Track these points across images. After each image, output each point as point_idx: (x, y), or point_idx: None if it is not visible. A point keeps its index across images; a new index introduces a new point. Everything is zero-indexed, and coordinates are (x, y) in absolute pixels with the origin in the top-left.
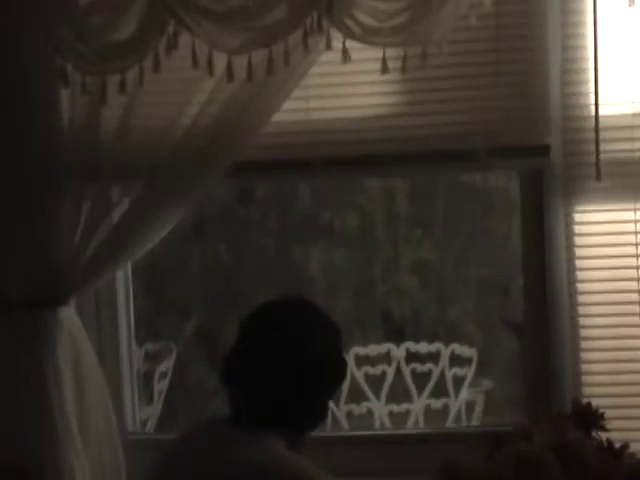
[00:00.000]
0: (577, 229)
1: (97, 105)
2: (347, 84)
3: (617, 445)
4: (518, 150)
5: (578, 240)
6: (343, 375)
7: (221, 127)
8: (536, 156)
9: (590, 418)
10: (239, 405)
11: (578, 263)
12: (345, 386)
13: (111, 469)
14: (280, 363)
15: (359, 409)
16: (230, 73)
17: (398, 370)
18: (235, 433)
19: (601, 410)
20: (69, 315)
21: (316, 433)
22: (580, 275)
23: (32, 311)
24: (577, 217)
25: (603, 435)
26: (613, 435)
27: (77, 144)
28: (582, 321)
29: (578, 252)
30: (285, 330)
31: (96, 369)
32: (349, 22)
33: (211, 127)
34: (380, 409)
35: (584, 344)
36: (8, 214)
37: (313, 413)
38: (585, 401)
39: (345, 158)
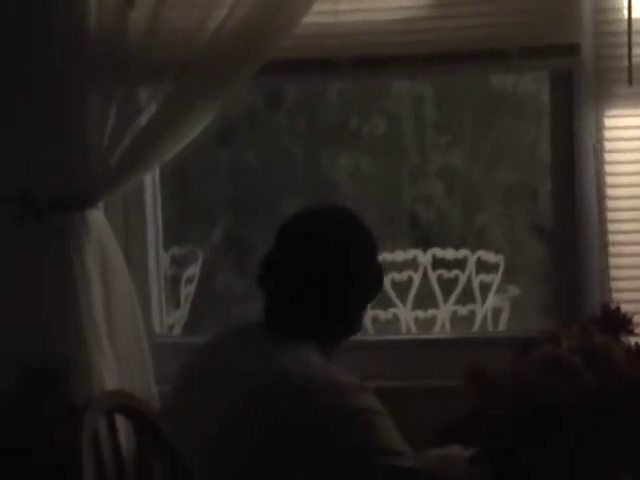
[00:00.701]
0: (607, 134)
1: (125, 8)
2: None
3: None
4: (549, 49)
5: (608, 145)
6: (379, 285)
7: (249, 29)
8: (567, 55)
9: (619, 322)
10: (274, 311)
11: (607, 168)
12: None
13: (139, 371)
14: (317, 271)
15: (385, 314)
16: None
17: (424, 276)
18: (269, 340)
19: (630, 314)
20: (97, 218)
21: None
22: (609, 180)
23: (60, 213)
24: (607, 122)
25: (632, 339)
26: None
27: (104, 44)
28: (611, 226)
29: (608, 157)
30: (323, 238)
31: (124, 272)
32: None
33: (239, 30)
34: (406, 315)
35: (613, 249)
36: (36, 115)
37: (348, 322)
38: (614, 305)
39: (373, 57)
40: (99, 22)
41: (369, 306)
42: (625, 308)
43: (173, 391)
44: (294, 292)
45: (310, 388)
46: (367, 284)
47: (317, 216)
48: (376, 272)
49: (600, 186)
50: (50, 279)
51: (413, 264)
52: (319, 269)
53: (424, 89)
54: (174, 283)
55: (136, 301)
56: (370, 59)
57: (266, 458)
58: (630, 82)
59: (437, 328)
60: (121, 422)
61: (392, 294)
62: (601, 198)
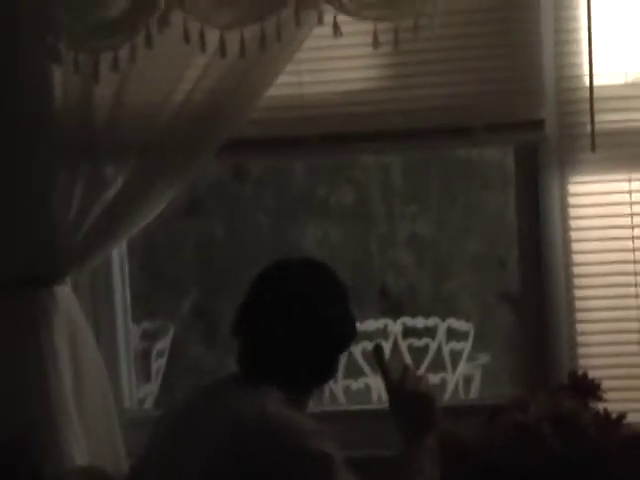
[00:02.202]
0: (572, 200)
1: (90, 83)
2: (339, 58)
3: (614, 415)
4: (513, 125)
5: (573, 211)
6: (352, 332)
7: (214, 102)
8: (531, 130)
9: (587, 388)
10: (243, 359)
11: (573, 234)
12: (342, 362)
13: (109, 446)
14: (286, 317)
15: (357, 384)
16: (223, 49)
17: (395, 345)
18: (236, 388)
19: (597, 380)
20: (65, 294)
21: (314, 408)
22: (575, 246)
23: (28, 290)
24: (572, 188)
25: (600, 405)
26: (610, 406)
27: (70, 122)
28: (578, 293)
29: (573, 223)
30: (294, 285)
31: (93, 348)
32: None
33: (204, 102)
34: (378, 384)
35: (580, 315)
36: (1, 192)
37: (318, 369)
38: (582, 371)
39: (339, 134)
40: (64, 99)
41: (342, 353)
42: (593, 374)
43: (145, 449)
44: (268, 338)
45: (262, 432)
46: (338, 331)
47: (287, 264)
48: (344, 320)
49: (566, 252)
50: (18, 355)
51: (383, 333)
52: (281, 313)
53: (391, 159)
54: (145, 357)
55: (105, 376)
56: (336, 136)
57: None
58: (593, 149)
59: None
60: None
61: (363, 363)
62: (568, 264)
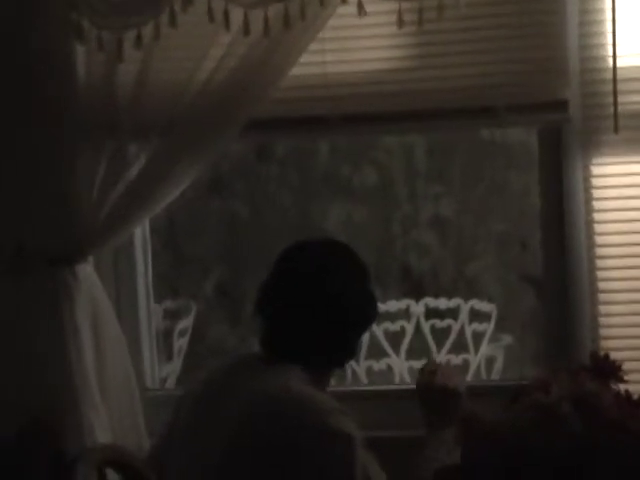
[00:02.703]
0: (595, 182)
1: (113, 61)
2: (363, 37)
3: (635, 397)
4: (536, 106)
5: (596, 193)
6: (372, 313)
7: (238, 81)
8: (554, 111)
9: (608, 369)
10: (267, 338)
11: (596, 216)
12: (364, 342)
13: (130, 425)
14: (308, 297)
15: (379, 365)
16: (246, 27)
17: (417, 326)
18: (259, 367)
19: (619, 362)
20: (87, 272)
21: (336, 388)
22: (598, 228)
23: (50, 268)
24: (595, 170)
25: (621, 387)
26: (631, 387)
27: (93, 100)
28: (600, 274)
29: (596, 205)
30: (314, 266)
31: (115, 326)
32: None
33: (228, 81)
34: (400, 365)
35: (602, 297)
36: (25, 170)
37: (342, 349)
38: (603, 352)
39: (362, 115)
40: (88, 77)
41: (363, 334)
42: (615, 355)
43: (167, 427)
44: (288, 319)
45: (287, 410)
46: (361, 312)
47: (310, 244)
48: (370, 301)
49: (589, 234)
50: (41, 333)
51: (406, 314)
52: (313, 297)
53: (414, 139)
54: (167, 336)
55: (128, 355)
56: (359, 117)
57: (261, 470)
58: (616, 130)
59: None
60: (112, 476)
61: (385, 344)
62: (590, 246)
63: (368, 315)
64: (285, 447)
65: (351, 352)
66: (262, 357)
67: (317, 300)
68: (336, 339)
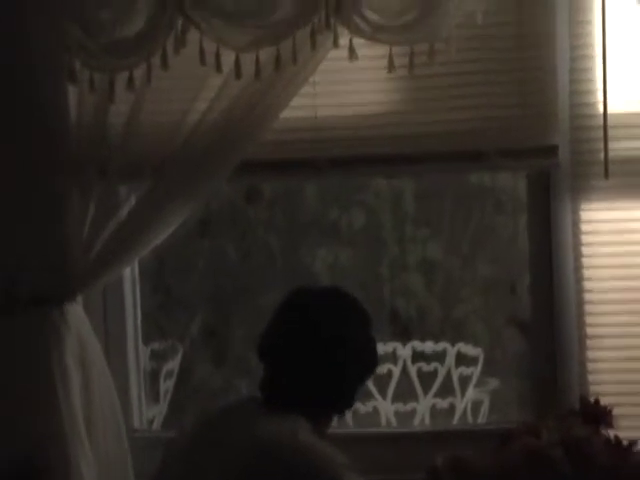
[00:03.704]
0: (584, 227)
1: (105, 102)
2: (354, 81)
3: (625, 442)
4: (526, 151)
5: (585, 238)
6: (375, 362)
7: (229, 123)
8: (544, 156)
9: (598, 414)
10: (269, 384)
11: (585, 261)
12: None
13: (118, 467)
14: (313, 347)
15: (365, 408)
16: (238, 70)
17: (404, 369)
18: (262, 412)
19: (609, 406)
20: (76, 312)
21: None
22: (587, 273)
23: (39, 308)
24: (584, 215)
25: (611, 432)
26: (621, 433)
27: (84, 141)
28: (589, 319)
29: (585, 250)
30: (321, 315)
31: (103, 367)
32: (357, 20)
33: (219, 123)
34: (386, 408)
35: (591, 342)
36: (15, 210)
37: (343, 398)
38: (593, 398)
39: (352, 157)
40: (79, 118)
41: (365, 382)
42: (604, 400)
43: (156, 471)
44: (292, 367)
45: (296, 459)
46: (364, 361)
47: (315, 294)
48: (372, 349)
49: (578, 279)
50: (28, 373)
51: (393, 357)
52: (317, 347)
53: (403, 183)
54: (153, 378)
55: (115, 396)
56: (347, 160)
57: None
58: (606, 175)
59: (417, 421)
60: None
61: (372, 387)
62: (579, 291)
63: (371, 365)
64: None
65: (352, 400)
66: (261, 402)
67: (321, 350)
68: (339, 388)
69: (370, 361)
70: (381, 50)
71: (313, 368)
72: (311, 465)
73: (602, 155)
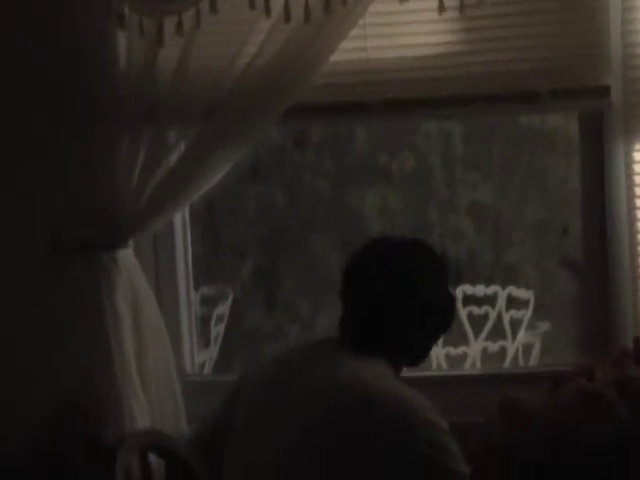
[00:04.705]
0: (638, 168)
1: (154, 47)
2: (405, 23)
3: None
4: (578, 91)
5: (638, 179)
6: (453, 317)
7: (278, 67)
8: (596, 97)
9: None
10: (355, 327)
11: (638, 202)
12: None
13: (170, 410)
14: (402, 297)
15: (424, 360)
16: (287, 13)
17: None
18: (345, 353)
19: None
20: (128, 258)
21: None
22: None
23: (91, 253)
24: (638, 156)
25: None
26: None
27: (133, 87)
28: None
29: (638, 191)
30: (404, 264)
31: (155, 312)
32: None
33: (268, 67)
34: (437, 352)
35: None
36: (66, 156)
37: (421, 349)
38: None
39: (402, 100)
40: (128, 63)
41: (441, 336)
42: None
43: (226, 404)
44: (378, 314)
45: (388, 400)
46: (444, 314)
47: (397, 244)
48: (451, 301)
49: (631, 220)
50: (82, 318)
51: None
52: (405, 296)
53: (452, 125)
54: (204, 322)
55: (167, 340)
56: (399, 102)
57: (345, 462)
58: None
59: (468, 365)
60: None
61: None
62: (633, 233)
63: (450, 319)
64: (380, 435)
65: (427, 351)
66: (340, 343)
67: (411, 301)
68: (420, 340)
69: (450, 315)
70: None
71: (399, 317)
72: (406, 404)
73: None
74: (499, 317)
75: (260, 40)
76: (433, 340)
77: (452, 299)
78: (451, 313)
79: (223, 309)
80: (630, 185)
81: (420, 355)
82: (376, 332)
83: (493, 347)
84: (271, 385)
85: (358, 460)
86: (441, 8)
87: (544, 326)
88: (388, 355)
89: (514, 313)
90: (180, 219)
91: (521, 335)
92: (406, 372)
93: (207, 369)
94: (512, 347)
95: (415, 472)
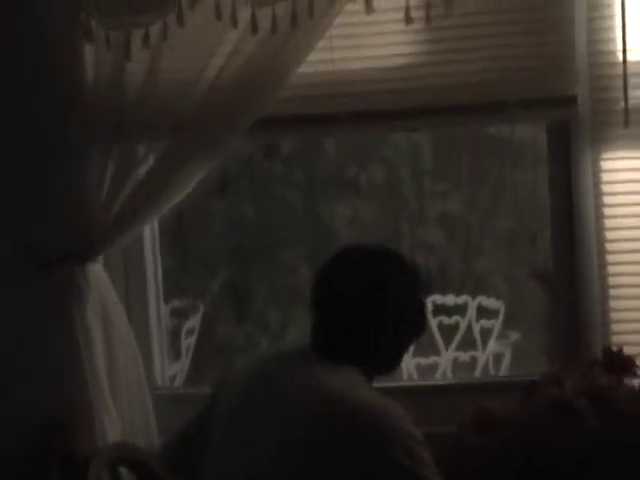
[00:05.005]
0: (605, 177)
1: (121, 60)
2: (372, 34)
3: None
4: (545, 101)
5: (606, 188)
6: (425, 324)
7: (246, 79)
8: (564, 107)
9: (621, 364)
10: (326, 337)
11: (606, 211)
12: None
13: (141, 423)
14: (373, 307)
15: (396, 368)
16: (254, 25)
17: None
18: (317, 364)
19: (633, 356)
20: (97, 271)
21: None
22: (609, 223)
23: (60, 268)
24: (605, 165)
25: (635, 381)
26: None
27: (101, 100)
28: (611, 269)
29: (606, 200)
30: (380, 274)
31: (125, 325)
32: None
33: (236, 79)
34: (408, 362)
35: (613, 292)
36: (33, 172)
37: (392, 358)
38: (616, 348)
39: (370, 111)
40: (96, 77)
41: (413, 343)
42: (628, 350)
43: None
44: (350, 323)
45: (365, 410)
46: (415, 322)
47: (368, 252)
48: (423, 311)
49: (599, 229)
50: (52, 333)
51: None
52: (376, 305)
53: (421, 136)
54: (175, 335)
55: (138, 353)
56: (367, 114)
57: (323, 473)
58: (626, 124)
59: (439, 375)
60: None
61: None
62: (601, 241)
63: (422, 326)
64: (357, 445)
65: (399, 360)
66: (312, 352)
67: (382, 310)
68: (392, 349)
69: (422, 322)
70: (398, 2)
71: (371, 327)
72: (381, 415)
73: (622, 104)
74: (469, 327)
75: (227, 52)
76: (405, 348)
77: (423, 306)
78: (423, 320)
79: (194, 322)
80: (598, 194)
81: (392, 363)
82: (348, 342)
83: (464, 357)
84: (245, 397)
85: (336, 471)
86: (408, 19)
87: (514, 336)
88: (360, 364)
89: (484, 323)
90: (149, 232)
91: (491, 345)
92: (378, 382)
93: (178, 382)
94: (482, 357)
95: None
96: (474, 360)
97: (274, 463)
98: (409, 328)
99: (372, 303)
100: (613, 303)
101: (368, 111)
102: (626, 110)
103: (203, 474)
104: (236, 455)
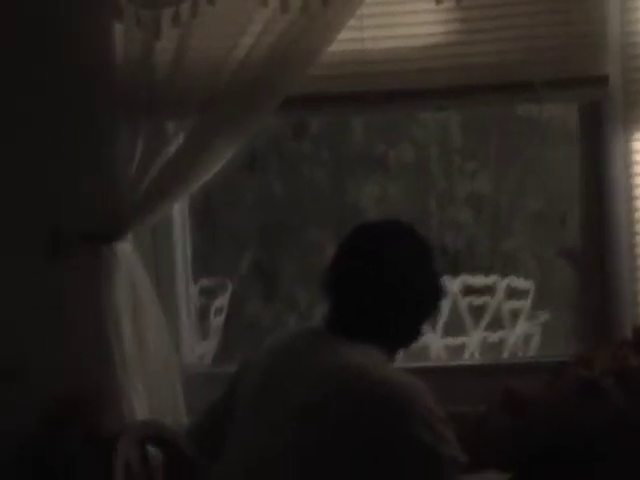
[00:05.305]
0: (637, 158)
1: (151, 38)
2: (402, 13)
3: None
4: (576, 81)
5: (637, 169)
6: (441, 295)
7: (276, 58)
8: (595, 87)
9: None
10: (344, 315)
11: (637, 191)
12: None
13: (169, 401)
14: (390, 282)
15: (415, 342)
16: (285, 4)
17: (454, 303)
18: (339, 341)
19: None
20: (126, 250)
21: None
22: (639, 203)
23: (89, 246)
24: (637, 145)
25: None
26: None
27: (131, 78)
28: None
29: (637, 180)
30: (397, 251)
31: (154, 304)
32: None
33: (266, 58)
34: (436, 342)
35: None
36: (64, 149)
37: (410, 333)
38: None
39: (400, 90)
40: (126, 55)
41: (431, 316)
42: None
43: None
44: (368, 301)
45: (387, 386)
46: (432, 297)
47: (382, 229)
48: (439, 283)
49: (629, 209)
50: (80, 311)
51: None
52: (395, 283)
53: (450, 115)
54: (203, 314)
55: (166, 332)
56: (396, 93)
57: (345, 446)
58: None
59: (467, 355)
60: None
61: None
62: (631, 222)
63: (438, 302)
64: (379, 420)
65: (418, 334)
66: (333, 332)
67: (398, 286)
68: (409, 324)
69: (438, 298)
70: None
71: (388, 303)
72: (404, 389)
73: None
74: (498, 307)
75: (257, 31)
76: (423, 321)
77: (440, 280)
78: (440, 295)
79: (222, 301)
80: (629, 175)
81: (412, 337)
82: (365, 319)
83: (493, 337)
84: (269, 373)
85: (357, 444)
86: None
87: (544, 316)
88: (380, 342)
89: (514, 303)
90: (179, 211)
91: (521, 325)
92: (405, 362)
93: (206, 360)
94: (512, 338)
95: (414, 458)
96: (503, 341)
97: (297, 435)
98: (428, 303)
99: (390, 282)
100: None
101: (397, 90)
102: None
103: (226, 449)
104: (259, 429)
